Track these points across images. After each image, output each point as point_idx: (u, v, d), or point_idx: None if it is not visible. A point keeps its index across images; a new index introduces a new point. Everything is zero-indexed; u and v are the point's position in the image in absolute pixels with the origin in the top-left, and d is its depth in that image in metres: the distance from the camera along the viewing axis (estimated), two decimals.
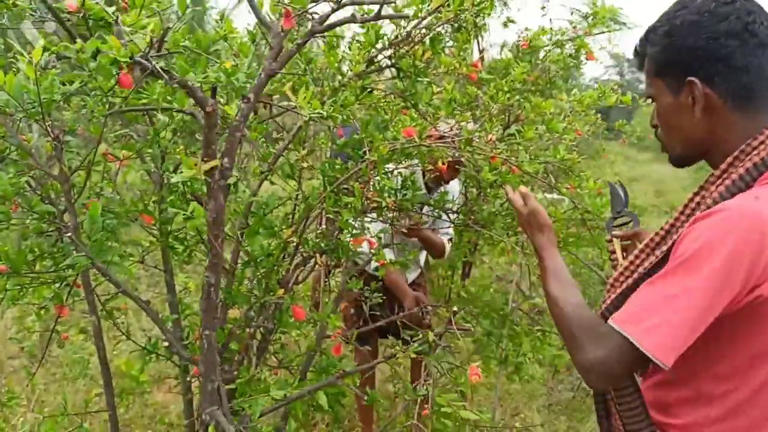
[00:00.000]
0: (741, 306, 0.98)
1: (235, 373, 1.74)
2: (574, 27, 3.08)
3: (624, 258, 1.38)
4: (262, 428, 1.56)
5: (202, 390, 1.52)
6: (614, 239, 1.46)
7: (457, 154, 2.09)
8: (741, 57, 1.02)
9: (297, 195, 2.12)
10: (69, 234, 1.35)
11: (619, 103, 3.29)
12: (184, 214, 1.66)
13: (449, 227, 2.97)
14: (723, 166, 1.06)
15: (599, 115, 4.94)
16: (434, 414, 1.50)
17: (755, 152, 1.02)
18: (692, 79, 1.05)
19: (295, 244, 1.94)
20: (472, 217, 2.67)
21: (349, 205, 1.88)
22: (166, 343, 1.68)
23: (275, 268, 1.86)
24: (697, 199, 1.11)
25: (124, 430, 3.08)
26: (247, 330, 1.77)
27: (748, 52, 1.02)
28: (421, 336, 1.78)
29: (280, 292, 1.81)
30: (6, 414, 3.04)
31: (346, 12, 1.62)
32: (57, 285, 1.68)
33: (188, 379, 1.83)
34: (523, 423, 3.50)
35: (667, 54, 1.09)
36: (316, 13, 1.66)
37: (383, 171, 2.01)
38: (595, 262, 4.96)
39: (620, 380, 1.10)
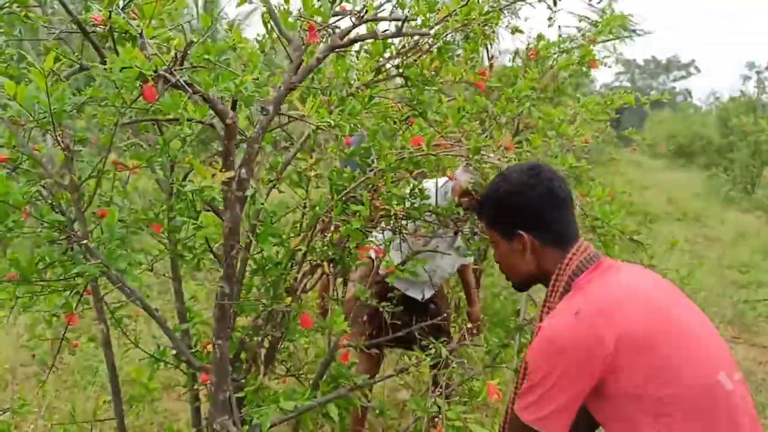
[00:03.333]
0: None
1: (243, 381, 1.74)
2: (583, 35, 3.07)
3: None
4: None
5: (213, 400, 1.52)
6: None
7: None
8: (549, 212, 1.46)
9: (305, 203, 2.12)
10: (81, 242, 1.36)
11: (624, 105, 3.27)
12: (193, 224, 1.67)
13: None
14: (550, 287, 1.47)
15: (609, 123, 4.93)
16: (446, 428, 1.50)
17: (564, 271, 1.43)
18: (520, 231, 1.46)
19: (303, 252, 1.95)
20: (481, 225, 2.66)
21: (357, 214, 1.88)
22: (175, 351, 1.68)
23: (283, 276, 1.87)
24: (545, 311, 1.48)
25: None
26: (256, 338, 1.77)
27: (554, 208, 1.46)
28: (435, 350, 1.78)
29: (288, 300, 1.81)
30: (17, 421, 3.06)
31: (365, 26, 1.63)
32: (67, 293, 1.69)
33: (196, 387, 1.84)
34: None
35: (499, 214, 1.50)
36: (338, 27, 1.67)
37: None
38: None
39: None
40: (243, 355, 1.70)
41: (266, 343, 1.87)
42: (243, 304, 1.76)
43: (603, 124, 4.85)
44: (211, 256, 1.77)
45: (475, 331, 3.14)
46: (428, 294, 3.04)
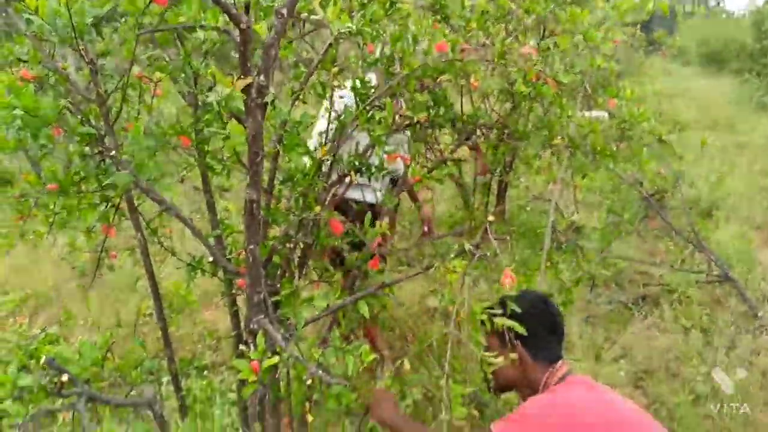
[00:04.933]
0: None
1: (278, 286, 1.80)
2: None
3: None
4: (308, 338, 1.62)
5: (249, 301, 1.58)
6: None
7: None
8: (544, 338, 1.82)
9: (330, 113, 2.12)
10: (111, 155, 1.39)
11: (658, 10, 3.14)
12: (221, 135, 1.68)
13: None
14: (540, 390, 1.78)
15: (639, 27, 4.75)
16: (470, 320, 1.54)
17: (549, 380, 1.77)
18: (517, 342, 1.78)
19: (330, 161, 1.96)
20: (506, 131, 2.64)
21: (381, 121, 1.87)
22: (210, 259, 1.74)
23: (311, 186, 1.89)
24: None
25: (175, 347, 3.24)
26: (288, 245, 1.82)
27: (550, 333, 1.84)
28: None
29: (317, 209, 1.84)
30: (65, 333, 3.22)
31: None
32: (103, 206, 1.74)
33: (233, 292, 1.91)
34: None
35: (505, 324, 1.67)
36: None
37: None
38: (635, 178, 4.89)
39: None
40: (276, 259, 1.75)
41: (298, 251, 1.92)
42: (273, 214, 1.80)
43: (633, 28, 4.68)
44: (241, 166, 1.79)
45: (426, 229, 3.57)
46: (380, 197, 2.97)
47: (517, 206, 5.40)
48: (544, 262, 2.93)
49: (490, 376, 1.89)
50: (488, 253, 1.54)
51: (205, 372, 3.06)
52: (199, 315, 3.55)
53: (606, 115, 3.03)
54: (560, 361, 1.82)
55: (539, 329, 1.82)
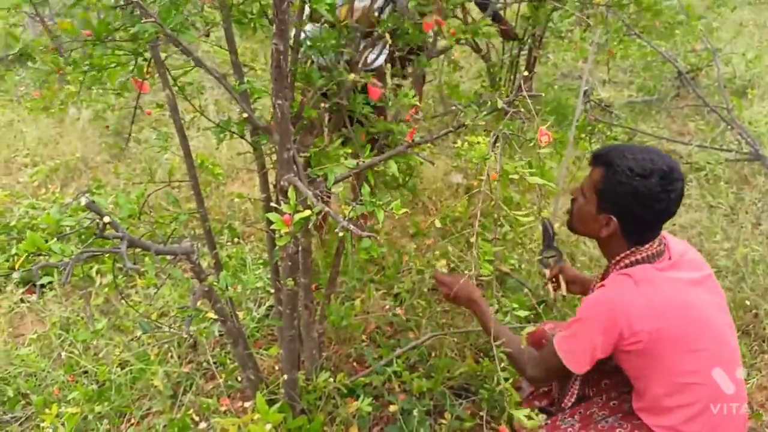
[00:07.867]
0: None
1: (308, 145, 1.79)
2: None
3: (554, 286, 2.09)
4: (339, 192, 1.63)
5: (279, 158, 1.57)
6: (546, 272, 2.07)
7: None
8: (651, 221, 1.54)
9: None
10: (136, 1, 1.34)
11: None
12: None
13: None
14: (616, 259, 1.62)
15: None
16: (502, 179, 1.53)
17: (632, 256, 1.57)
18: (613, 217, 1.56)
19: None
20: None
21: None
22: (245, 115, 1.71)
23: (341, 51, 1.82)
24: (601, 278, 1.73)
25: None
26: (322, 105, 1.78)
27: (660, 221, 1.55)
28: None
29: (351, 76, 1.78)
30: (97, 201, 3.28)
31: None
32: (132, 63, 1.71)
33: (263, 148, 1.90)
34: None
35: (615, 192, 1.53)
36: None
37: None
38: (669, 54, 4.69)
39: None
40: (308, 113, 1.71)
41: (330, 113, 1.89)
42: (309, 74, 1.75)
43: None
44: (266, 21, 1.73)
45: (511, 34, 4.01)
46: (371, 58, 2.76)
47: (545, 84, 5.26)
48: (572, 135, 2.89)
49: (574, 218, 1.71)
50: (522, 109, 1.49)
51: (236, 240, 3.14)
52: (227, 188, 3.60)
53: None
54: (648, 244, 1.58)
55: (646, 213, 1.53)
